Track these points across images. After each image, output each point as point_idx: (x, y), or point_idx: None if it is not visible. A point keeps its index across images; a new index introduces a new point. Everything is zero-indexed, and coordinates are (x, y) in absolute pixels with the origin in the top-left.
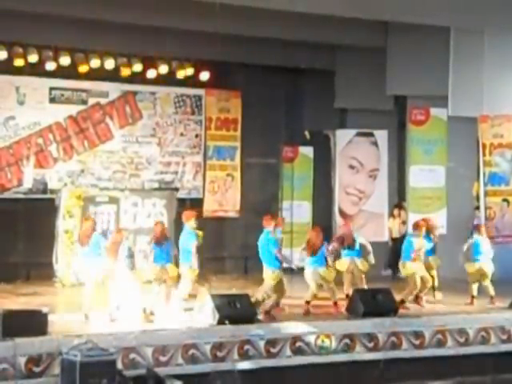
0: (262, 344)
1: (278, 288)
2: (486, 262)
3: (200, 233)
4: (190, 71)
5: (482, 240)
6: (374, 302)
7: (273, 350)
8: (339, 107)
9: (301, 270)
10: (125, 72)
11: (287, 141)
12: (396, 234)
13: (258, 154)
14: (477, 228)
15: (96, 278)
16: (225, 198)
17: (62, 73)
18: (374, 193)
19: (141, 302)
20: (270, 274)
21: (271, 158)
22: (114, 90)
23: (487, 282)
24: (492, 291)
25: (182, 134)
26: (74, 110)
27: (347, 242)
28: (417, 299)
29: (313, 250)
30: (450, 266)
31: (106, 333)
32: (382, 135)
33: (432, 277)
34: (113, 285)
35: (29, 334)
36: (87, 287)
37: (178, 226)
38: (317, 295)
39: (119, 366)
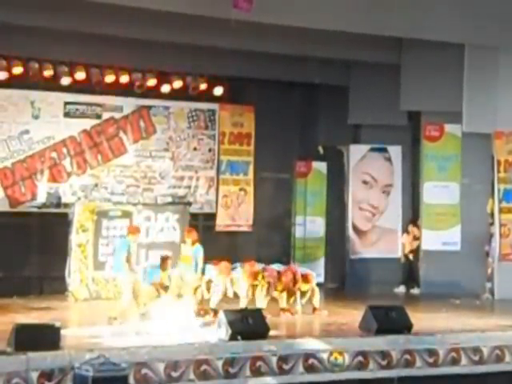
0: (274, 360)
1: None
2: None
3: None
4: (203, 86)
5: None
6: (387, 319)
7: (285, 367)
8: (353, 123)
9: None
10: (139, 87)
11: (301, 156)
12: (407, 251)
13: (272, 168)
14: None
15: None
16: (238, 212)
17: (76, 87)
18: (387, 209)
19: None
20: None
21: (284, 172)
22: (128, 104)
23: None
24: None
25: (195, 149)
26: (88, 124)
27: None
28: None
29: None
30: (466, 284)
31: (118, 347)
32: (395, 151)
33: None
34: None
35: (41, 348)
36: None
37: None
38: None
39: (131, 381)
